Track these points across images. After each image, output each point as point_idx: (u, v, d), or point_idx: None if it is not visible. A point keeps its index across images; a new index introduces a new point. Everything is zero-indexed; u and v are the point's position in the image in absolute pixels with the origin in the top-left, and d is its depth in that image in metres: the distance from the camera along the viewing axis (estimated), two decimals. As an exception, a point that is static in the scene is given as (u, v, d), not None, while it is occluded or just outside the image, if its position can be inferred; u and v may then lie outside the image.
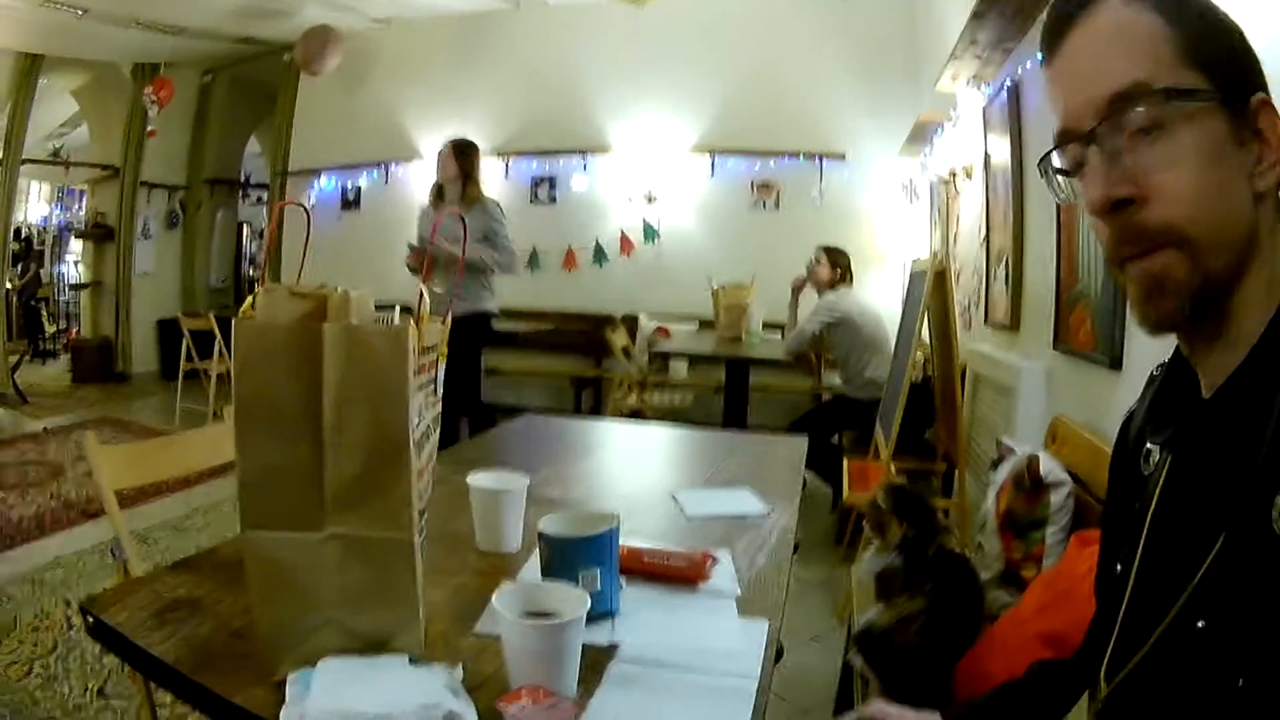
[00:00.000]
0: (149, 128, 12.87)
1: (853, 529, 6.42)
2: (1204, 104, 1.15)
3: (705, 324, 10.31)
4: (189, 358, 10.56)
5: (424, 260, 6.99)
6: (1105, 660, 1.36)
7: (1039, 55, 1.33)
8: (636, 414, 9.01)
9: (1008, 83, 5.74)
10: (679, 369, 10.63)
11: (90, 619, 1.74)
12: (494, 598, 1.54)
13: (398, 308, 1.61)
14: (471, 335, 7.34)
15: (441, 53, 12.22)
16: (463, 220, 6.04)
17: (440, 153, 7.73)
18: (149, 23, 11.16)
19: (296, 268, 11.87)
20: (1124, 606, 1.34)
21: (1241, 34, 1.21)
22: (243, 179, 16.74)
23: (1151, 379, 1.49)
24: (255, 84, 14.61)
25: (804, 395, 10.32)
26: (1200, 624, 1.11)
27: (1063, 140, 1.27)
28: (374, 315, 1.61)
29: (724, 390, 8.26)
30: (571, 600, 1.58)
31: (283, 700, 1.41)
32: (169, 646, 1.62)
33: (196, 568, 2.03)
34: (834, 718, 3.88)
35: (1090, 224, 1.30)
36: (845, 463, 6.44)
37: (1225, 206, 1.16)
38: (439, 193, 7.81)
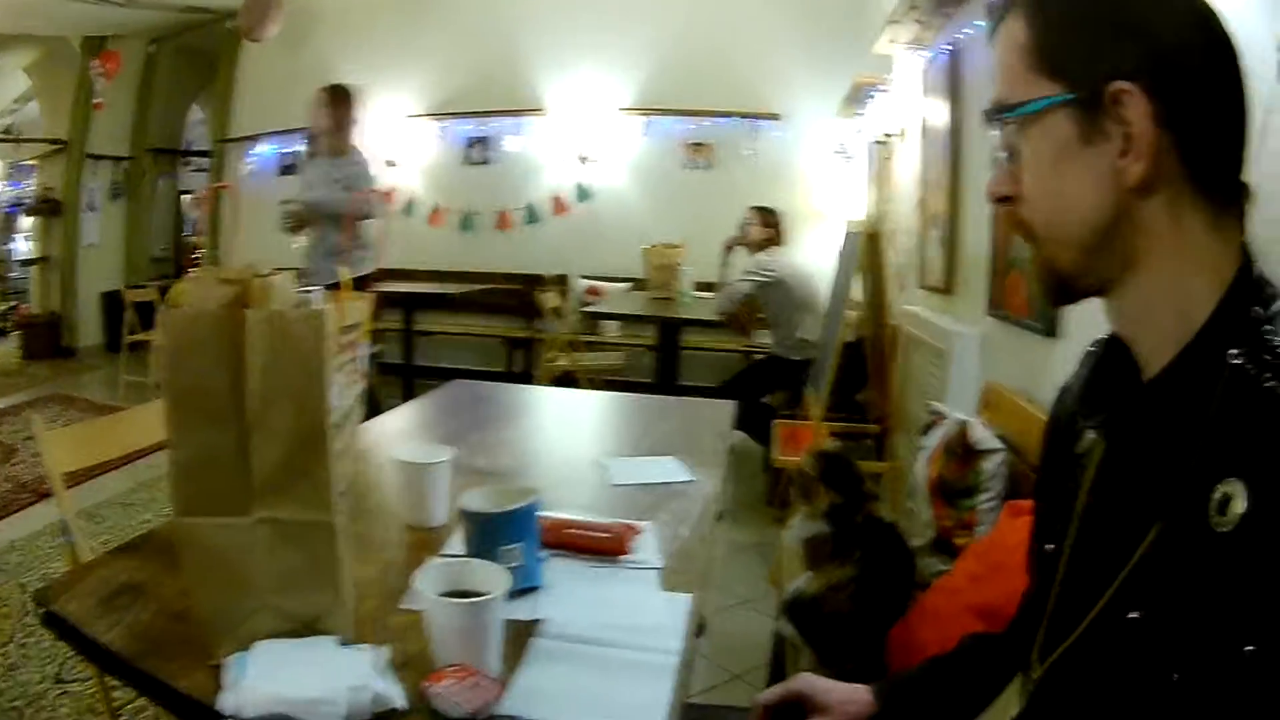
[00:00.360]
0: (96, 100, 12.72)
1: (784, 490, 6.45)
2: (1045, 109, 1.20)
3: (637, 284, 10.28)
4: (132, 330, 10.47)
5: (299, 219, 7.00)
6: (1038, 642, 1.36)
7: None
8: (568, 375, 9.01)
9: (947, 47, 5.73)
10: (610, 329, 10.64)
11: (42, 610, 1.73)
12: (416, 578, 1.54)
13: (320, 289, 1.61)
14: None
15: (381, 14, 12.08)
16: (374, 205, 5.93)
17: (314, 100, 7.40)
18: None
19: (237, 237, 11.90)
20: (1056, 588, 1.34)
21: (1120, 10, 1.18)
22: (185, 147, 16.58)
23: (1088, 354, 1.47)
24: (199, 52, 14.40)
25: (736, 355, 10.35)
26: (1133, 615, 1.11)
27: None
28: (296, 298, 1.60)
29: (656, 350, 8.24)
30: (492, 578, 1.57)
31: (221, 685, 1.42)
32: (115, 635, 1.62)
33: (139, 551, 2.02)
34: (766, 685, 3.90)
35: None
36: (776, 424, 6.45)
37: (1067, 210, 1.21)
38: (314, 144, 7.56)
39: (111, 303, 12.96)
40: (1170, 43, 1.14)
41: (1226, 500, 0.99)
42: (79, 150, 13.26)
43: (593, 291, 10.58)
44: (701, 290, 9.03)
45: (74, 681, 4.02)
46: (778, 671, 3.57)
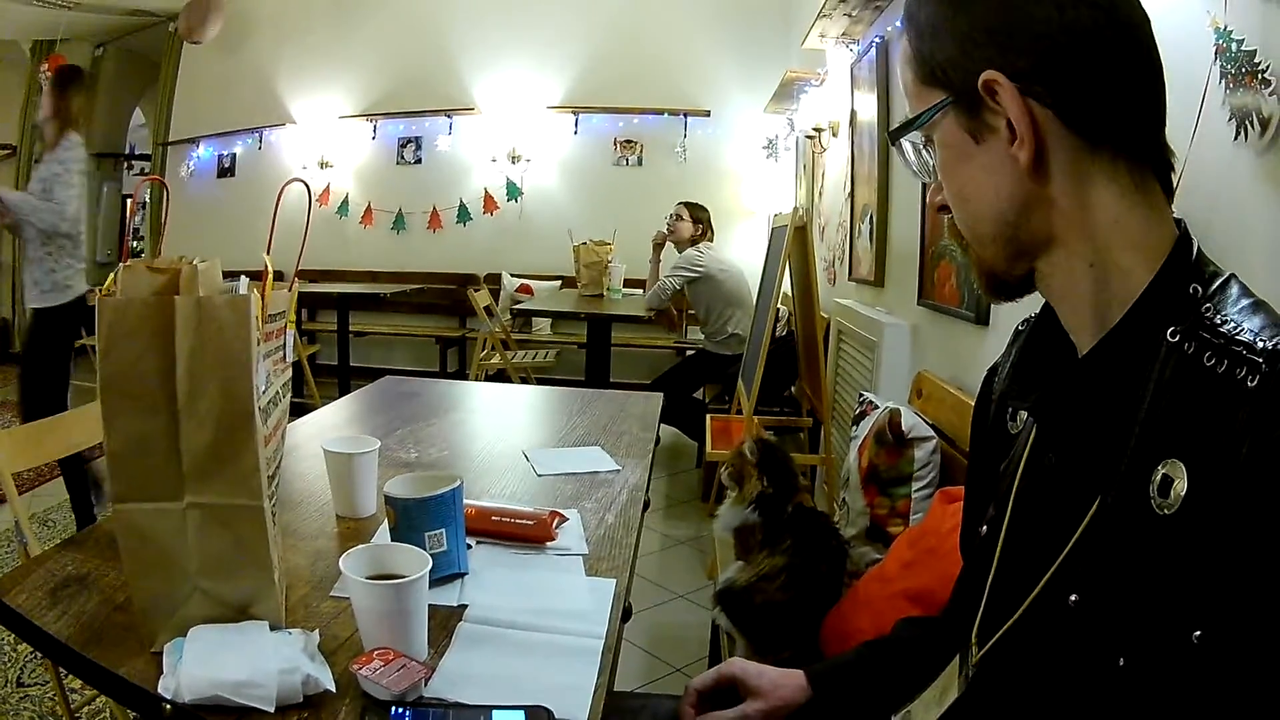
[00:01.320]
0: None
1: (718, 485, 6.47)
2: (933, 118, 1.23)
3: (567, 281, 10.31)
4: (78, 335, 10.35)
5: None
6: (976, 625, 1.35)
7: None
8: (501, 373, 9.01)
9: (876, 40, 5.76)
10: (542, 327, 10.67)
11: (-5, 604, 1.73)
12: (341, 561, 1.54)
13: (244, 277, 1.61)
14: (43, 333, 6.35)
15: (317, 15, 12.06)
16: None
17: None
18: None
19: (177, 238, 11.86)
20: (993, 571, 1.33)
21: (979, 10, 1.18)
22: (128, 151, 16.47)
23: (1018, 333, 1.49)
24: (141, 56, 14.28)
25: (667, 351, 10.41)
26: (1073, 598, 1.11)
27: None
28: (222, 286, 1.60)
29: (587, 347, 8.25)
30: (415, 560, 1.58)
31: (161, 670, 1.43)
32: (62, 625, 1.62)
33: (83, 544, 2.02)
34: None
35: None
36: (708, 419, 6.47)
37: (977, 208, 1.24)
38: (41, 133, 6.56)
39: (56, 311, 12.86)
40: (1038, 21, 1.14)
41: (1168, 482, 0.99)
42: (28, 156, 13.12)
43: (524, 290, 10.60)
44: (632, 287, 9.05)
45: (34, 685, 4.00)
46: (717, 661, 3.59)
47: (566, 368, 9.85)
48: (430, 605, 1.69)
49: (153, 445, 1.52)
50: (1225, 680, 0.92)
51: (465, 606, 1.79)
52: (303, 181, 2.04)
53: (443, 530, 1.87)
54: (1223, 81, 2.08)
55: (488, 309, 8.94)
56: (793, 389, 7.17)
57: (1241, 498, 0.92)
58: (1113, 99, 1.14)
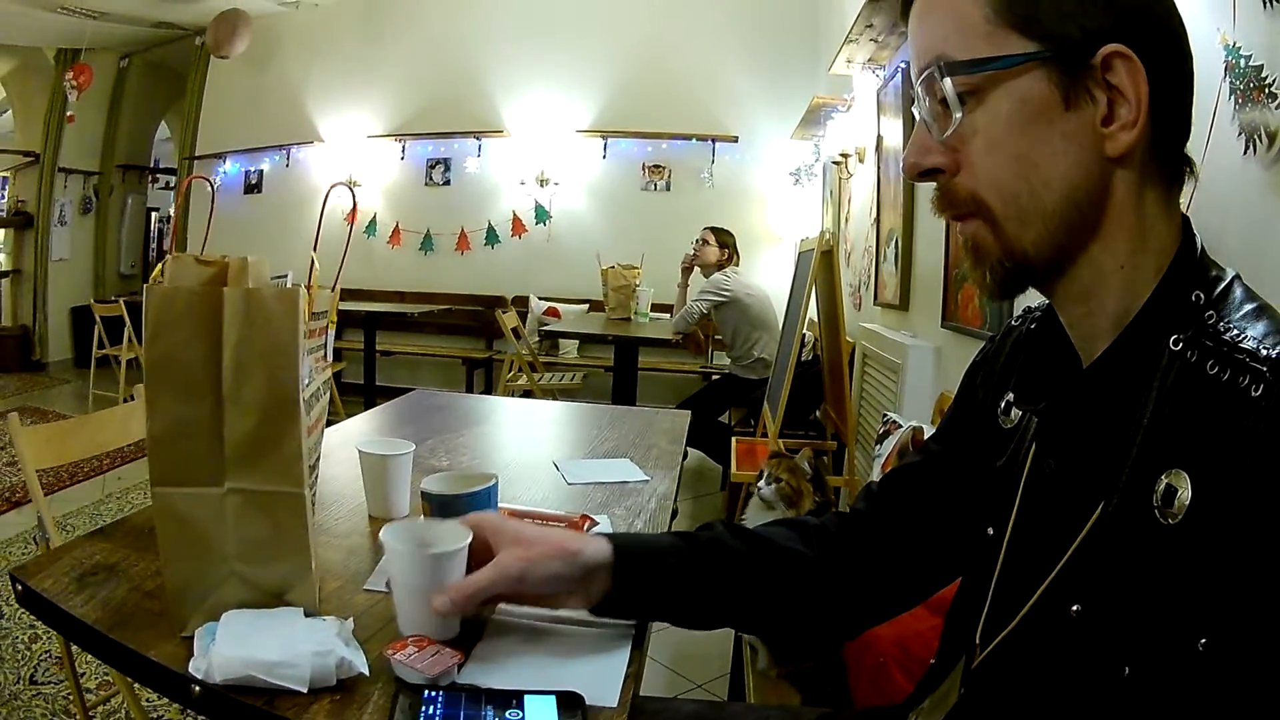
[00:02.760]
0: (68, 113, 12.73)
1: (742, 506, 6.48)
2: (1016, 67, 1.11)
3: (595, 305, 10.33)
4: (100, 344, 10.44)
5: None
6: (979, 627, 1.34)
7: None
8: (527, 394, 9.02)
9: (902, 66, 5.80)
10: (569, 349, 10.68)
11: (19, 586, 1.74)
12: (382, 532, 1.56)
13: (290, 274, 1.65)
14: None
15: (346, 34, 12.17)
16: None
17: None
18: (74, 7, 11.04)
19: (200, 247, 11.85)
20: (996, 573, 1.32)
21: None
22: (152, 164, 16.53)
23: (1009, 328, 1.50)
24: (167, 69, 14.46)
25: (693, 375, 10.41)
26: (1075, 609, 1.10)
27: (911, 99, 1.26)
28: (270, 280, 1.64)
29: (613, 370, 8.27)
30: (454, 534, 1.60)
31: (192, 654, 1.44)
32: (89, 609, 1.63)
33: (111, 535, 2.03)
34: (729, 692, 3.90)
35: None
36: (733, 441, 6.48)
37: (1035, 179, 1.13)
38: None
39: (80, 318, 13.01)
40: (1157, 13, 1.13)
41: (1172, 491, 0.99)
42: (51, 163, 13.28)
43: (551, 312, 10.62)
44: (659, 311, 9.08)
45: (47, 684, 4.02)
46: (737, 673, 3.59)
47: (592, 391, 9.86)
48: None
49: (195, 430, 1.54)
50: (1231, 688, 0.92)
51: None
52: (348, 185, 2.08)
53: (478, 527, 1.90)
54: (1232, 97, 2.13)
55: (515, 330, 8.96)
56: (817, 413, 7.18)
57: (1247, 508, 0.93)
58: (1185, 103, 1.16)
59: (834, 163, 8.49)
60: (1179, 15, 1.15)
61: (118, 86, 14.30)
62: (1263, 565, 0.90)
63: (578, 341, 10.68)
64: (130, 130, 14.79)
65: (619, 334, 7.82)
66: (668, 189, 11.30)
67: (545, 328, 9.36)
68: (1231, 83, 2.12)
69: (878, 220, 6.66)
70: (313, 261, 1.67)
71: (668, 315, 8.95)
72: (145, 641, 1.52)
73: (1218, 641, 0.92)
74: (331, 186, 2.03)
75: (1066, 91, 1.10)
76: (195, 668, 1.39)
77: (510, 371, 9.36)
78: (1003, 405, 1.44)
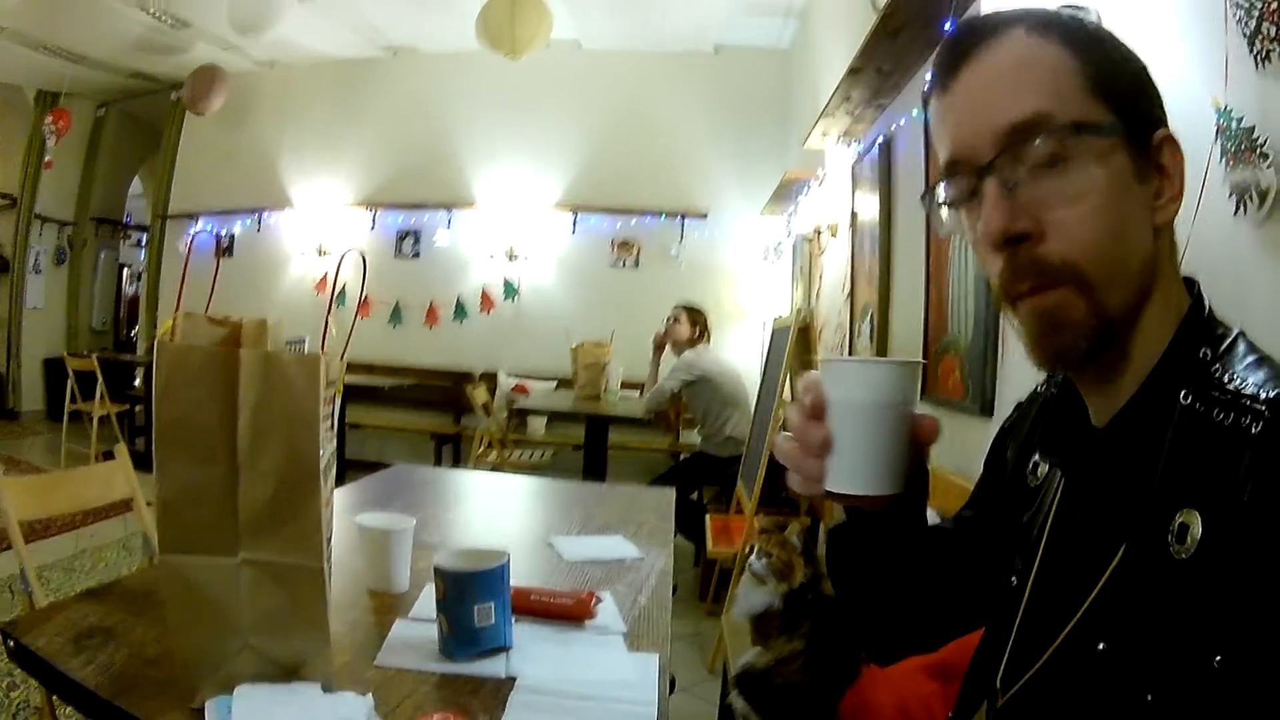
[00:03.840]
0: (46, 158, 12.74)
1: (717, 583, 6.47)
2: (1109, 138, 1.13)
3: (563, 382, 10.31)
4: (73, 398, 10.33)
5: None
6: (1000, 672, 1.35)
7: (929, 81, 1.25)
8: (497, 470, 9.00)
9: (880, 139, 5.85)
10: (538, 426, 10.65)
11: (11, 643, 1.72)
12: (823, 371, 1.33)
13: (307, 339, 1.63)
14: None
15: (319, 99, 12.26)
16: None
17: None
18: (55, 47, 11.18)
19: (171, 312, 11.81)
20: (1018, 619, 1.34)
21: (1145, 68, 1.21)
22: (125, 219, 16.51)
23: (1035, 395, 1.53)
24: (143, 122, 14.50)
25: (662, 453, 10.40)
26: (1101, 645, 1.12)
27: (953, 171, 1.24)
28: (285, 344, 1.62)
29: (583, 448, 8.26)
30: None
31: None
32: (89, 673, 1.61)
33: (103, 598, 2.02)
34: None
35: (980, 257, 1.26)
36: (708, 518, 6.47)
37: (1125, 244, 1.15)
38: None
39: (53, 369, 12.85)
40: (1160, 101, 1.21)
41: (1184, 529, 1.02)
42: (28, 208, 13.25)
43: (519, 389, 10.60)
44: (629, 389, 9.08)
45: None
46: (724, 751, 3.57)
47: (561, 469, 9.79)
48: (478, 676, 1.78)
49: (208, 496, 1.53)
50: (1247, 700, 0.95)
51: (514, 679, 1.81)
52: (360, 253, 2.07)
53: (491, 603, 1.90)
54: (1224, 160, 2.16)
55: (485, 406, 8.94)
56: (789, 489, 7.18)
57: (1249, 534, 0.96)
58: None
59: (806, 238, 8.53)
60: None
61: (94, 136, 14.31)
62: (1265, 586, 0.94)
63: (545, 418, 10.65)
64: (105, 182, 14.77)
65: (590, 412, 7.84)
66: (636, 265, 11.32)
67: (515, 404, 9.35)
68: (1223, 145, 2.17)
69: (852, 295, 6.68)
70: (326, 325, 1.66)
71: (637, 393, 8.95)
72: (152, 711, 1.51)
73: (1231, 658, 0.95)
74: (345, 253, 2.02)
75: (1138, 165, 1.15)
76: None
77: (480, 447, 9.31)
78: (1030, 465, 1.46)
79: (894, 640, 1.71)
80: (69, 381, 10.34)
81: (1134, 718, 1.05)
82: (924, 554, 1.55)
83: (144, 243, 15.39)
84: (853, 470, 1.24)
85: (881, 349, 5.74)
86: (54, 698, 2.75)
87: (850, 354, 6.62)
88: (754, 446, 6.28)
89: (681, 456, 9.33)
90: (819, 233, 7.89)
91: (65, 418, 10.67)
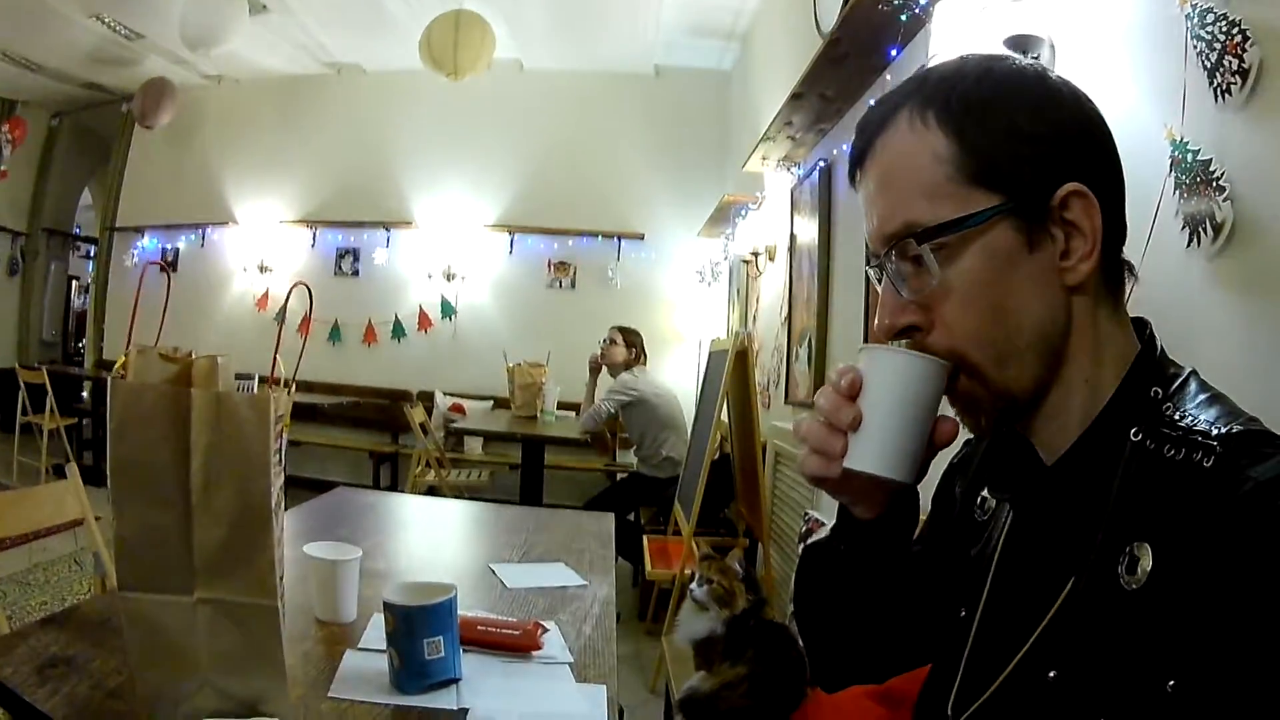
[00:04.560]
0: (2, 167, 12.58)
1: (656, 603, 6.48)
2: (982, 223, 1.16)
3: (500, 401, 10.33)
4: (24, 410, 10.20)
5: None
6: (951, 700, 1.36)
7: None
8: (433, 490, 8.97)
9: (820, 164, 5.90)
10: (474, 446, 10.62)
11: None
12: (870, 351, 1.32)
13: (256, 376, 1.64)
14: None
15: (264, 115, 12.21)
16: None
17: None
18: (14, 55, 11.07)
19: (118, 328, 11.76)
20: (968, 647, 1.36)
21: (1068, 115, 1.20)
22: (74, 231, 16.36)
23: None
24: (95, 134, 14.32)
25: (599, 473, 10.39)
26: (1052, 674, 1.14)
27: (869, 258, 1.31)
28: (235, 383, 1.63)
29: (520, 468, 8.27)
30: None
31: None
32: (54, 704, 1.61)
33: (64, 625, 2.02)
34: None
35: None
36: (645, 540, 6.49)
37: (1007, 323, 1.18)
38: None
39: (4, 381, 12.67)
40: (1097, 139, 1.20)
41: (1134, 560, 1.04)
42: (-14, 216, 12.99)
43: (456, 409, 10.57)
44: (565, 409, 9.09)
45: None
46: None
47: (499, 489, 9.77)
48: (430, 709, 1.80)
49: (164, 536, 1.53)
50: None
51: (466, 711, 1.83)
52: (305, 285, 2.08)
53: (440, 637, 1.91)
54: (1177, 192, 2.20)
55: (422, 426, 8.92)
56: (727, 510, 7.20)
57: (1201, 566, 0.99)
58: (1120, 209, 1.22)
59: (743, 261, 8.57)
60: (1109, 132, 1.23)
61: (48, 146, 14.13)
62: (1217, 615, 0.97)
63: (483, 439, 10.62)
64: (57, 193, 14.59)
65: (526, 433, 7.84)
66: (573, 287, 11.35)
67: (453, 424, 9.33)
68: (1177, 177, 2.20)
69: (789, 319, 6.72)
70: (274, 363, 1.67)
71: (573, 414, 8.95)
72: (116, 746, 1.51)
73: (1184, 683, 0.98)
74: (293, 286, 2.03)
75: (1029, 236, 1.16)
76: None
77: (418, 467, 9.28)
78: (978, 501, 1.48)
79: (844, 667, 1.71)
80: (20, 393, 10.21)
81: None
82: (899, 580, 1.55)
83: (93, 255, 15.25)
84: (880, 451, 1.26)
85: (819, 374, 5.78)
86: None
87: (788, 379, 6.67)
88: (691, 468, 6.30)
89: (618, 477, 9.35)
90: (756, 256, 7.94)
91: (16, 431, 10.52)
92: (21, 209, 14.03)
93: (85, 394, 12.05)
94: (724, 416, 6.27)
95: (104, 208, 13.36)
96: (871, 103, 4.87)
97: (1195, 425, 1.08)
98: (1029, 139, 1.17)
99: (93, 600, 1.78)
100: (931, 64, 1.30)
